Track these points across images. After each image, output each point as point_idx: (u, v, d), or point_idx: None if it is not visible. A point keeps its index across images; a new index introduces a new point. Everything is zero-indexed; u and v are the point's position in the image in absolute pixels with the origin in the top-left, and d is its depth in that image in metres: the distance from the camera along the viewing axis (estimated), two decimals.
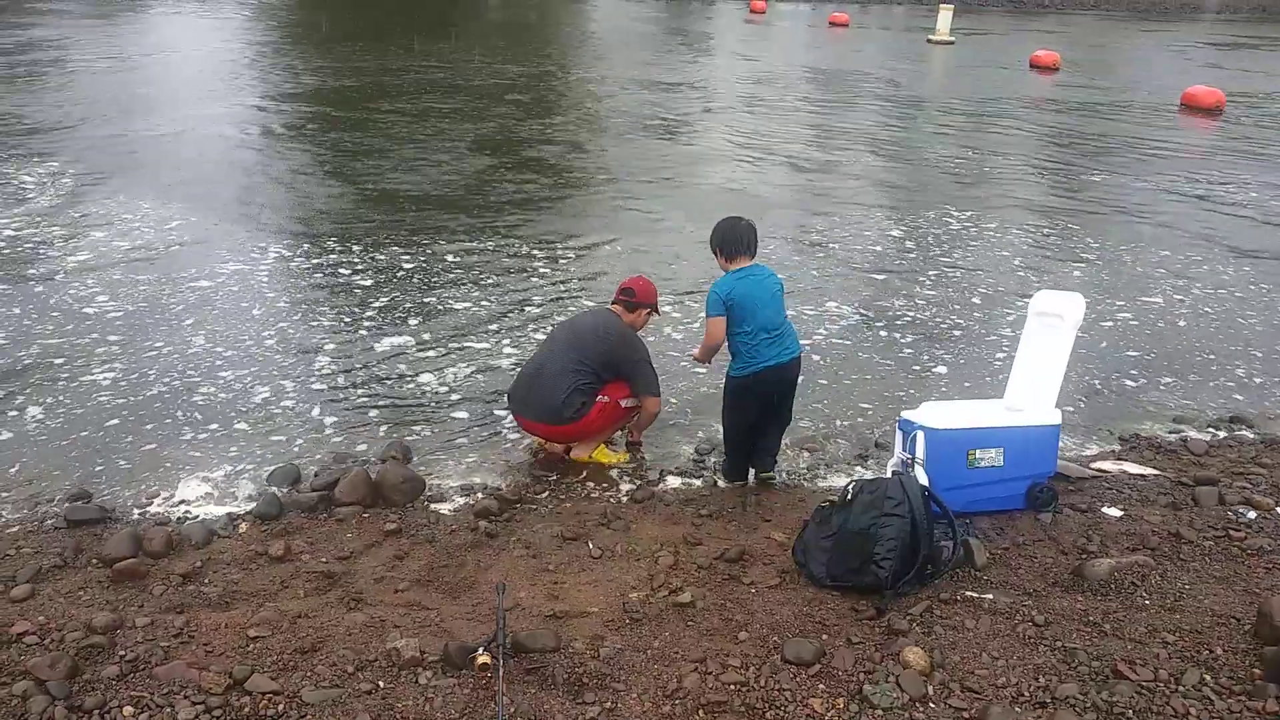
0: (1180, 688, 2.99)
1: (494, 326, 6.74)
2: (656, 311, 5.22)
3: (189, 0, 32.13)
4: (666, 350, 6.26)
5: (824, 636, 3.35)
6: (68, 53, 19.96)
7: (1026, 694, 3.00)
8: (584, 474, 4.88)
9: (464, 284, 7.55)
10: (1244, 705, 2.90)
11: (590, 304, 6.90)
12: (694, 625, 3.44)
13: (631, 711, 2.91)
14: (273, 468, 4.76)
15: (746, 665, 3.15)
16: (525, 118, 15.11)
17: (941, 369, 6.36)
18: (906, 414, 4.45)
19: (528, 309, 7.08)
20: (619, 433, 5.22)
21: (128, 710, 2.80)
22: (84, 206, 9.30)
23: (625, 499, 4.63)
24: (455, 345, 6.41)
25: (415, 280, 7.59)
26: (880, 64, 24.00)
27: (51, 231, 8.48)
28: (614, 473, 4.91)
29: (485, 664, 3.00)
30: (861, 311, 7.30)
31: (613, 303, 5.11)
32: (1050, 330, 4.61)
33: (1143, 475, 4.93)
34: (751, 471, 4.84)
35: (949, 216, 10.17)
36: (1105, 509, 4.48)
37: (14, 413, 5.24)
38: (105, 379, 5.66)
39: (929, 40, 29.26)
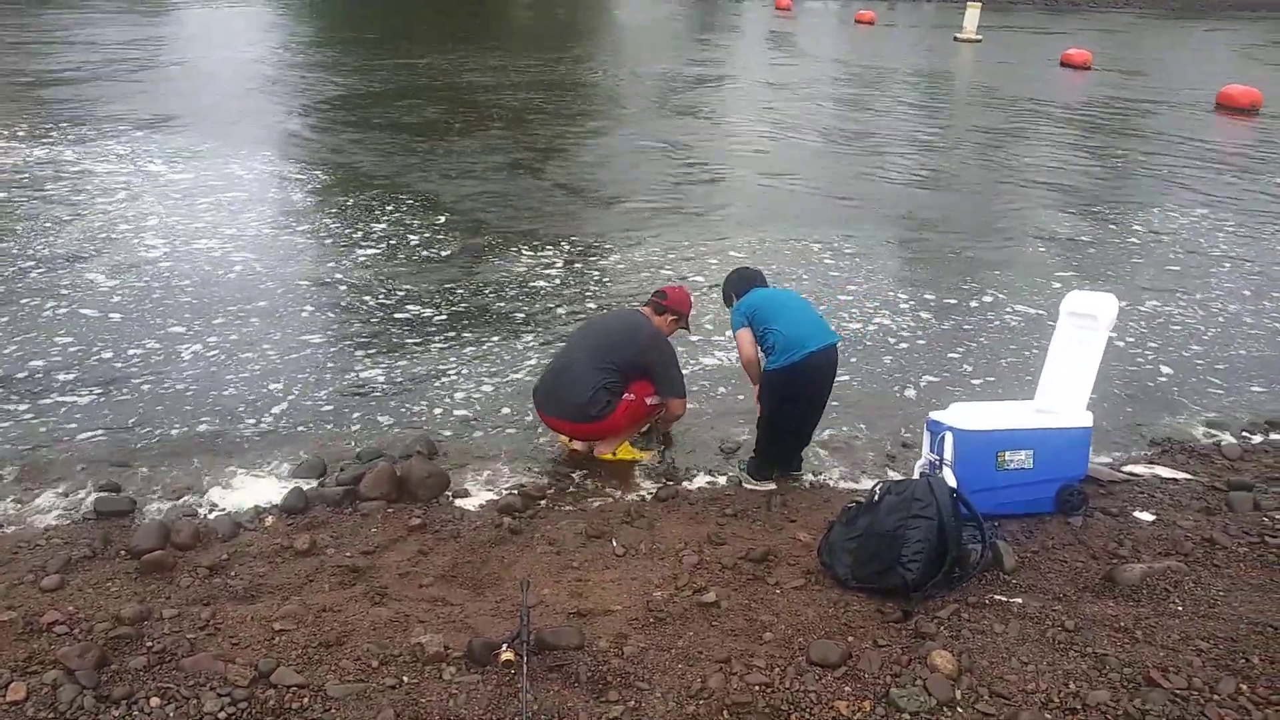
0: (1215, 696, 2.93)
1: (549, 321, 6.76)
2: (686, 325, 5.22)
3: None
4: (696, 348, 6.23)
5: (850, 639, 3.32)
6: (185, 52, 20.17)
7: (1056, 700, 2.95)
8: (608, 471, 4.86)
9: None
10: None
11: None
12: (718, 625, 3.41)
13: (655, 711, 2.89)
14: (298, 461, 4.78)
15: (771, 666, 3.12)
16: (654, 117, 15.38)
17: (969, 369, 6.30)
18: (935, 415, 4.41)
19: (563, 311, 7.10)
20: (643, 430, 5.20)
21: (154, 701, 2.82)
22: (342, 207, 9.46)
23: (649, 497, 4.62)
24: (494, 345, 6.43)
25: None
26: (902, 62, 23.81)
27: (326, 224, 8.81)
28: (638, 471, 4.90)
29: (509, 661, 3.00)
30: (888, 313, 7.25)
31: (645, 304, 5.11)
32: (1082, 331, 4.55)
33: (1175, 479, 4.86)
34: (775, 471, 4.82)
35: (974, 217, 10.08)
36: (1137, 513, 4.42)
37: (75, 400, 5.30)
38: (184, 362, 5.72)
39: (956, 38, 29.01)
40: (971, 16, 29.39)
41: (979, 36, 28.89)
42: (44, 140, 11.42)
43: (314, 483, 4.58)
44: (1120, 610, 3.51)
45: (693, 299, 5.29)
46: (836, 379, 4.77)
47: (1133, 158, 13.57)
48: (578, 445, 5.02)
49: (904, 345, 6.66)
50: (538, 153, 12.27)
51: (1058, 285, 7.80)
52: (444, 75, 18.13)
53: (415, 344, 6.31)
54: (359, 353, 6.15)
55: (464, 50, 21.86)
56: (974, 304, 7.49)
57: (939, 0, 44.85)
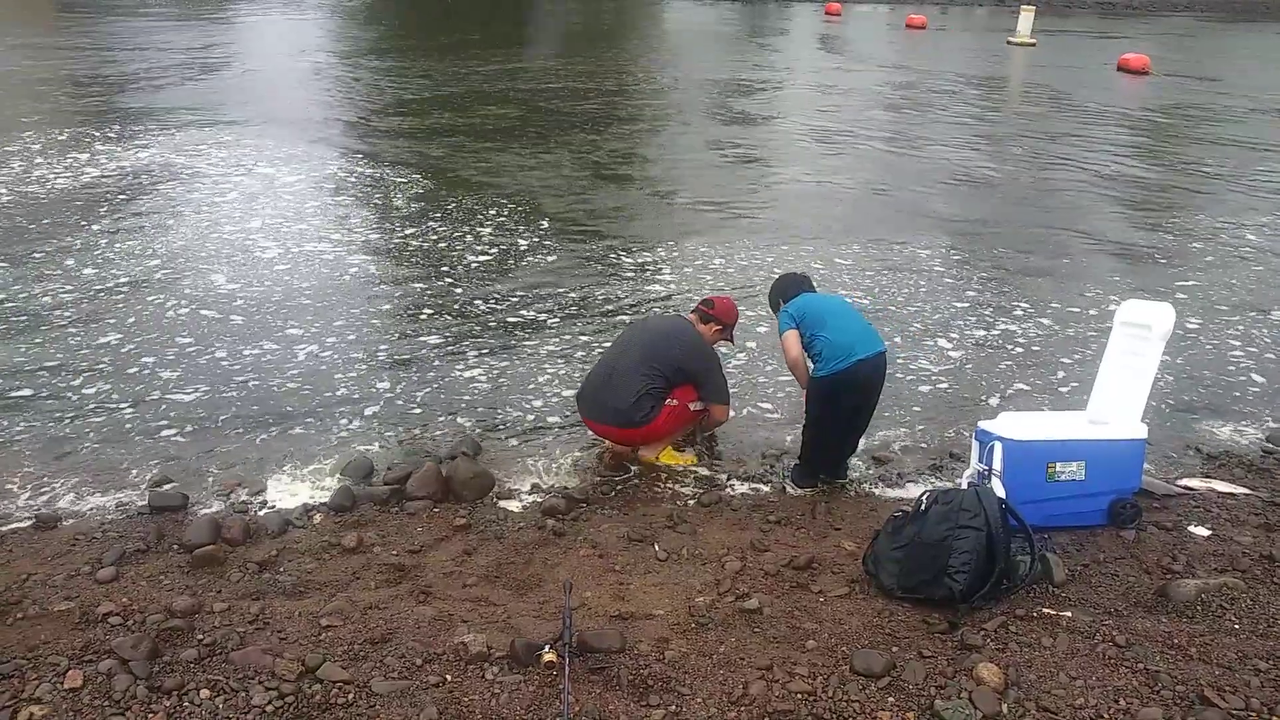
0: (1274, 718, 2.85)
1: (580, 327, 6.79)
2: (730, 337, 5.23)
3: (274, 3, 33.06)
4: (738, 356, 6.21)
5: (894, 649, 3.28)
6: (256, 57, 20.69)
7: (1106, 716, 2.89)
8: (651, 476, 4.86)
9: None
10: None
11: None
12: (760, 632, 3.40)
13: (696, 716, 2.88)
14: (347, 460, 4.85)
15: (814, 675, 3.09)
16: (725, 122, 15.35)
17: (1062, 375, 6.20)
18: (984, 424, 4.34)
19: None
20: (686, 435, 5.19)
21: (205, 693, 2.87)
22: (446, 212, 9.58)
23: (692, 502, 4.61)
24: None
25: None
26: (957, 66, 23.46)
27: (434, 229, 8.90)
28: (681, 475, 4.89)
29: (551, 662, 3.01)
30: (1006, 320, 7.17)
31: (691, 310, 5.12)
32: (1137, 341, 4.45)
33: (1233, 494, 4.73)
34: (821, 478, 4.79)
35: (1030, 225, 9.90)
36: (1192, 528, 4.31)
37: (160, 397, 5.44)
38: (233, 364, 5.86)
39: (1009, 42, 28.59)
40: (1025, 20, 28.94)
41: (1033, 40, 28.44)
42: (136, 142, 11.79)
43: (361, 482, 4.64)
44: (1174, 627, 3.42)
45: (739, 312, 5.28)
46: (887, 388, 4.73)
47: (1217, 164, 13.16)
48: (620, 449, 5.02)
49: (1020, 351, 6.61)
50: (619, 158, 12.35)
51: (1183, 295, 7.63)
52: (511, 81, 18.29)
53: (529, 349, 6.36)
54: (471, 353, 6.23)
55: (523, 57, 22.13)
56: (1093, 311, 7.34)
57: (992, 4, 44.22)
